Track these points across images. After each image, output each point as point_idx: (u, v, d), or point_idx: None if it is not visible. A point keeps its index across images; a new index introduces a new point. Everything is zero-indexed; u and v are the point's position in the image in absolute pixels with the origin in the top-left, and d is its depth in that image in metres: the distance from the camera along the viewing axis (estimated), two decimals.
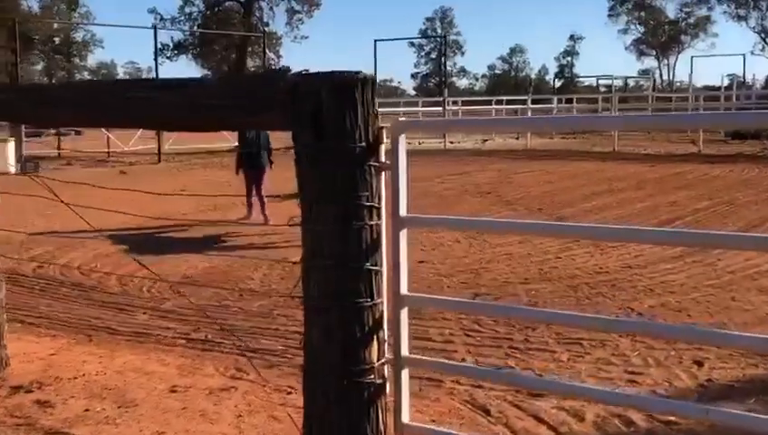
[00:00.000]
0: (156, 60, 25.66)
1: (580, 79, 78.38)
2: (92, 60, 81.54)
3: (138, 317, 6.88)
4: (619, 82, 56.24)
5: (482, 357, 5.57)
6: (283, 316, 6.70)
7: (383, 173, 3.60)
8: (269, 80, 3.65)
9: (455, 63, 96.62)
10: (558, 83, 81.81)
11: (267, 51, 43.99)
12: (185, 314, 6.84)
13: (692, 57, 47.80)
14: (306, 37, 59.56)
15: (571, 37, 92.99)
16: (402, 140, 3.61)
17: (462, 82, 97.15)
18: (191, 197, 13.07)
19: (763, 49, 76.42)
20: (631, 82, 73.58)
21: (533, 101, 36.20)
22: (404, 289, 3.64)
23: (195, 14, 49.80)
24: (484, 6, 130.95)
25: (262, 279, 8.28)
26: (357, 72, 3.49)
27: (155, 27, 25.13)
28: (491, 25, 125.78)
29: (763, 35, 76.97)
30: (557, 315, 4.22)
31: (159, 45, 46.27)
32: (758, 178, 17.12)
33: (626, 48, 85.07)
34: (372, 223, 3.53)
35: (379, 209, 3.57)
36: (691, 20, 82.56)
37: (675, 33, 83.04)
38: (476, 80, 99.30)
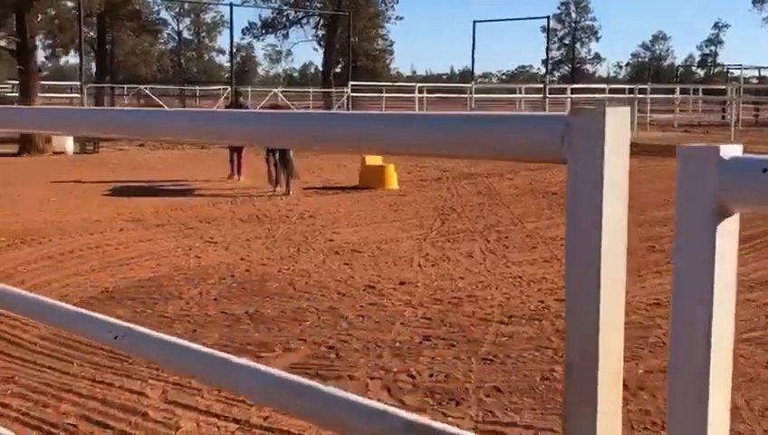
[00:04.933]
0: (231, 39, 24.83)
1: (727, 69, 73.42)
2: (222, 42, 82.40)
3: None
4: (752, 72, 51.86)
5: None
6: None
7: None
8: None
9: (589, 50, 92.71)
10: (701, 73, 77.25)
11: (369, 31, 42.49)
12: None
13: None
14: (401, 18, 56.72)
15: (716, 25, 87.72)
16: None
17: (600, 69, 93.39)
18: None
19: None
20: None
21: (652, 91, 33.35)
22: None
23: None
24: None
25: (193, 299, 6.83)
26: None
27: (231, 5, 23.99)
28: (631, 12, 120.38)
29: None
30: None
31: (247, 24, 45.53)
32: None
33: None
34: None
35: None
36: None
37: None
38: (620, 68, 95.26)
